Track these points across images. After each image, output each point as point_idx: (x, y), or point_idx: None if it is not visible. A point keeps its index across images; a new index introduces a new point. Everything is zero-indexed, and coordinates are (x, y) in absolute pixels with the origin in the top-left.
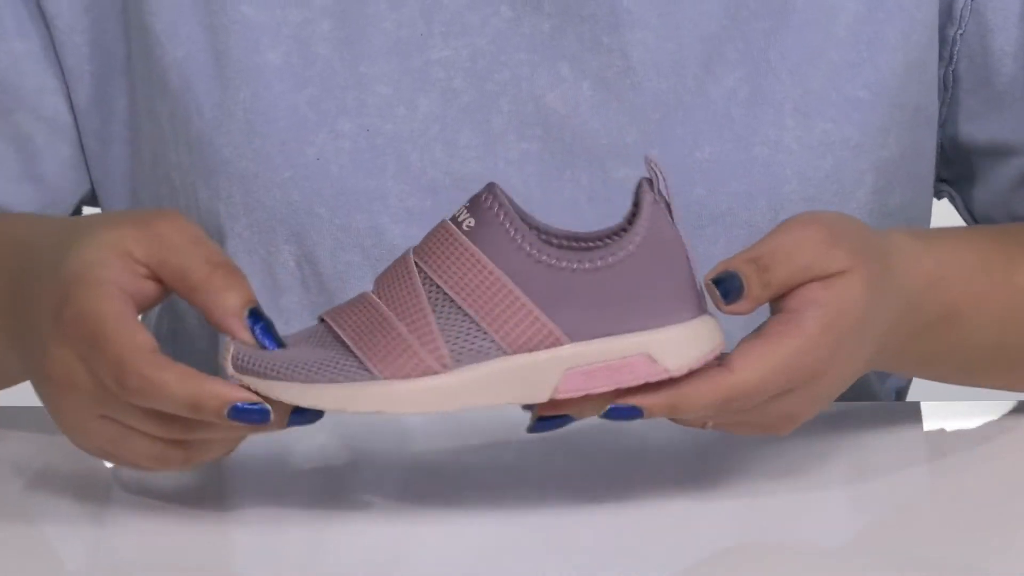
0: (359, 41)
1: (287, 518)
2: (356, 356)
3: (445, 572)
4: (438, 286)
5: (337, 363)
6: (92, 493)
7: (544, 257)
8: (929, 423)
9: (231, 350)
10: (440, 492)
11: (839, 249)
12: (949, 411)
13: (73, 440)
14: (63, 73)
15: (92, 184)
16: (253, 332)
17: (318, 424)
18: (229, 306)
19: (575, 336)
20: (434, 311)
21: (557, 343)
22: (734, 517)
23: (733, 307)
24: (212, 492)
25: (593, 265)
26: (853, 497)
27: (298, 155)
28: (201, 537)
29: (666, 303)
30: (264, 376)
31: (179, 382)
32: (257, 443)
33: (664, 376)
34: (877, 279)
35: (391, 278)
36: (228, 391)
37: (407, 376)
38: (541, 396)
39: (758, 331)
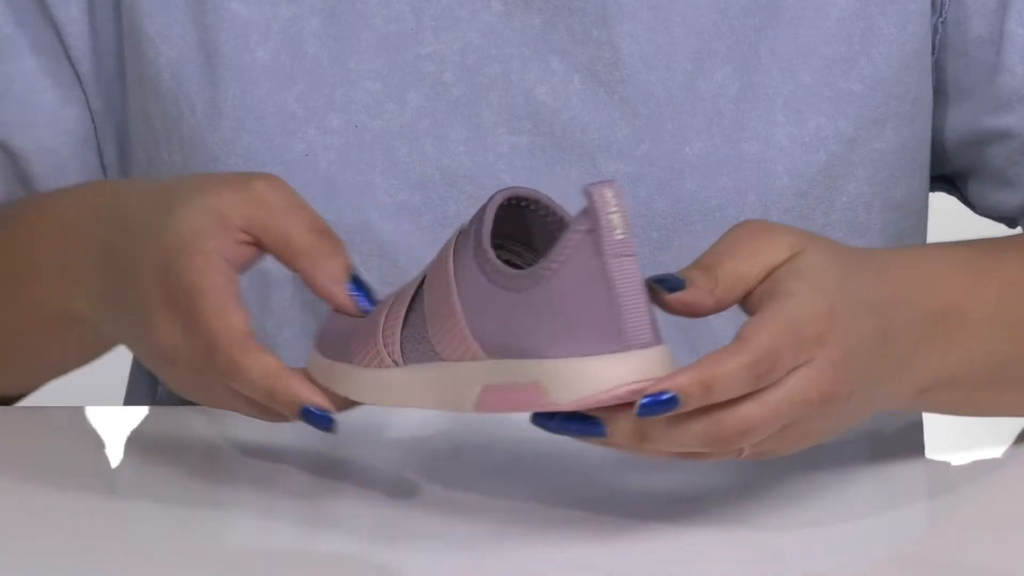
0: (348, 37)
1: (284, 518)
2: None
3: (440, 572)
4: (427, 280)
5: (349, 341)
6: (91, 493)
7: (487, 268)
8: (930, 446)
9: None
10: (435, 493)
11: (783, 232)
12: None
13: (185, 396)
14: (79, 80)
15: None
16: (355, 299)
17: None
18: (333, 273)
19: (492, 353)
20: (411, 306)
21: (475, 358)
22: (729, 541)
23: (680, 297)
24: (211, 491)
25: (516, 285)
26: (854, 503)
27: (287, 151)
28: (200, 536)
29: (573, 335)
30: (315, 346)
31: (261, 371)
32: (253, 445)
33: (551, 408)
34: (839, 251)
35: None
36: (304, 392)
37: (367, 365)
38: (465, 407)
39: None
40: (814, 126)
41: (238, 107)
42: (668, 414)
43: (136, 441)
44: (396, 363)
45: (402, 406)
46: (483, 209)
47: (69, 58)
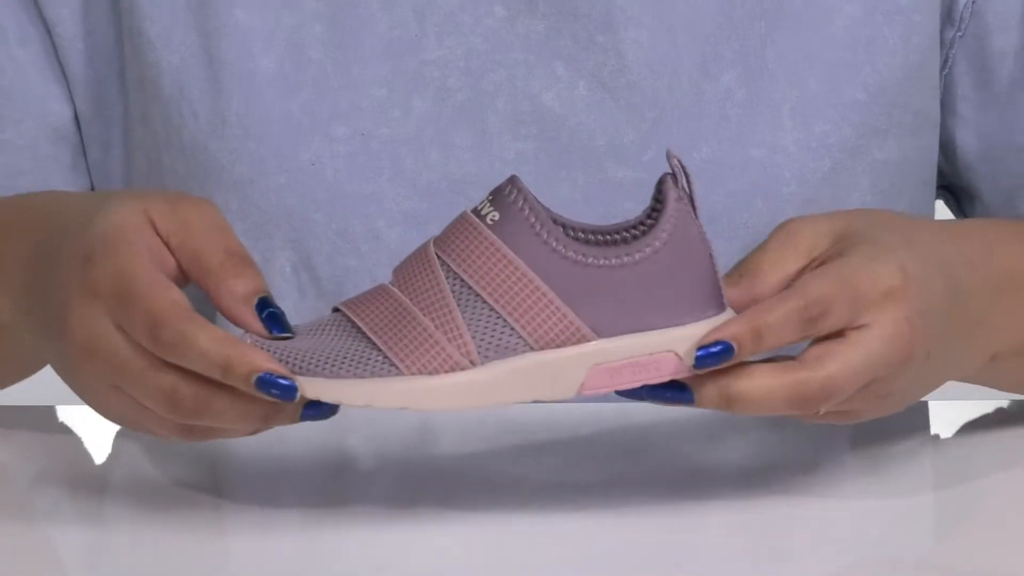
0: (351, 44)
1: (284, 519)
2: (379, 349)
3: (441, 573)
4: (462, 280)
5: (361, 357)
6: (92, 493)
7: (570, 253)
8: (936, 423)
9: (247, 342)
10: (436, 493)
11: (816, 220)
12: (955, 411)
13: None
14: (66, 79)
15: (92, 189)
16: (261, 320)
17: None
18: (238, 293)
19: (602, 332)
20: (458, 305)
21: (584, 339)
22: (741, 521)
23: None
24: (211, 493)
25: (619, 261)
26: (859, 499)
27: (293, 160)
28: (199, 538)
29: (690, 300)
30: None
31: (214, 340)
32: (254, 443)
33: (687, 374)
34: (886, 215)
35: (411, 269)
36: (262, 359)
37: (434, 372)
38: (567, 393)
39: None
40: (820, 132)
41: (243, 115)
42: (726, 364)
43: (135, 440)
44: (473, 363)
45: (482, 407)
46: (520, 196)
47: (57, 57)
